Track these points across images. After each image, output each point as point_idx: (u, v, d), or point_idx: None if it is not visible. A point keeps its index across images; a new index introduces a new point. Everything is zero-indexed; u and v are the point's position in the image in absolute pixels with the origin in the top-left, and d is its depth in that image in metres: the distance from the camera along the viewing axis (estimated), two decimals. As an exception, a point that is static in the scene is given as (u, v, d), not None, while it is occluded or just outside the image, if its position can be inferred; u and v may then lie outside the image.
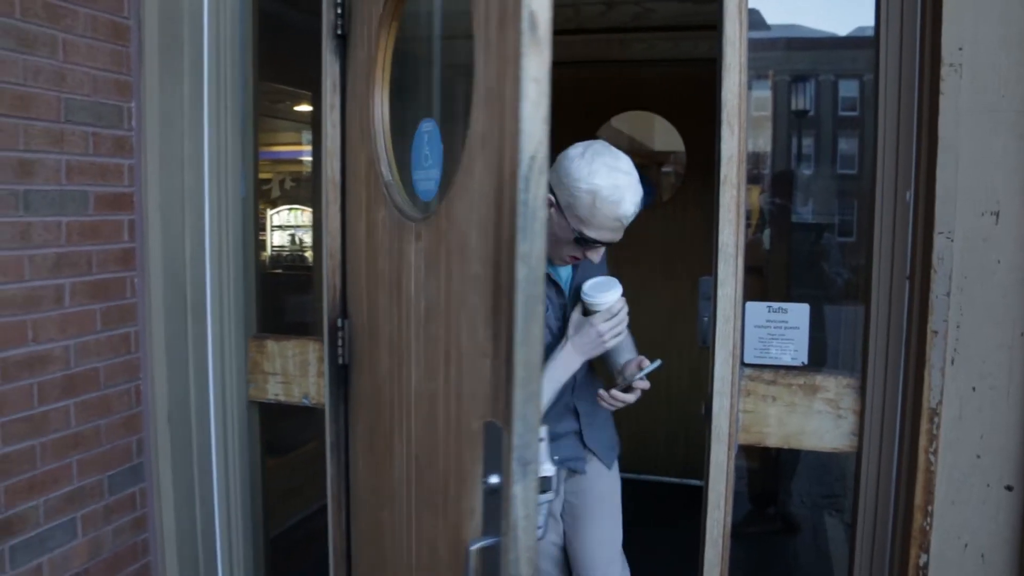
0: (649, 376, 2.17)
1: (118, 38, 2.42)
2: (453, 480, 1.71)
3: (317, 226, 4.68)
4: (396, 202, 2.02)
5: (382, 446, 2.11)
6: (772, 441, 2.30)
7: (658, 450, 5.26)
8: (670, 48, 4.88)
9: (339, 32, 2.32)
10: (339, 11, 2.31)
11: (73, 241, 2.29)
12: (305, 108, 5.19)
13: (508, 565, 1.44)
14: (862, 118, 5.03)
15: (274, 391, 2.72)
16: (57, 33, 2.23)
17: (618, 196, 1.95)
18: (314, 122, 4.52)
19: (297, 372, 2.69)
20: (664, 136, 5.78)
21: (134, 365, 2.50)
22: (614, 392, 2.14)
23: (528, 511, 1.44)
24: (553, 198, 2.02)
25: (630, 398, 2.13)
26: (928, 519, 2.06)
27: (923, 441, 2.03)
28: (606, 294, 2.09)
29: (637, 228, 5.05)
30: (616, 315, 2.11)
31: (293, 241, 6.42)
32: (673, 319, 5.00)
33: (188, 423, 2.63)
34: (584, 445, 2.40)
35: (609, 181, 1.95)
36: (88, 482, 2.38)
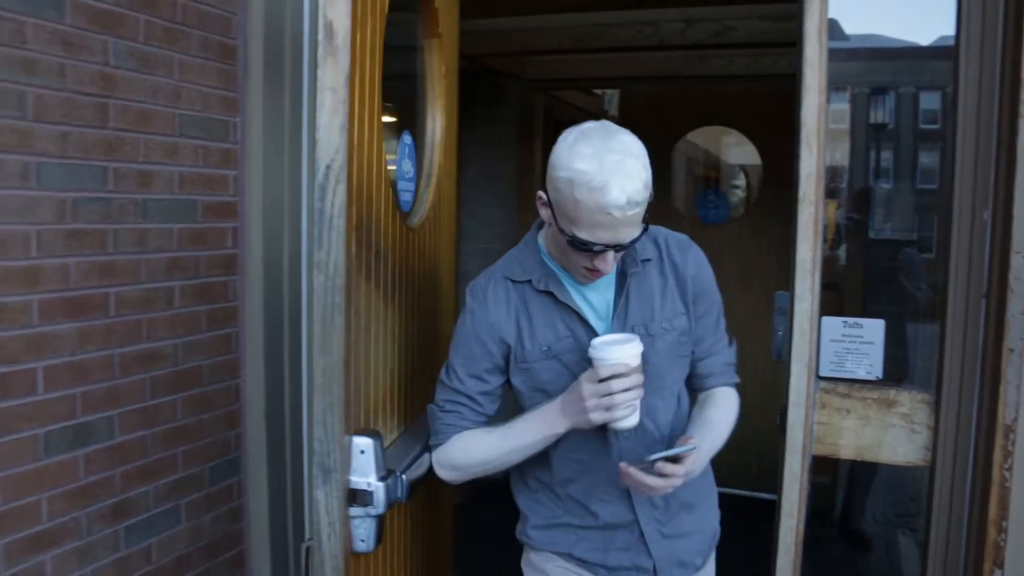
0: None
1: (226, 57, 2.59)
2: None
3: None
4: None
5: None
6: (846, 453, 2.35)
7: (729, 462, 5.28)
8: (749, 64, 4.92)
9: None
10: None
11: (183, 246, 2.46)
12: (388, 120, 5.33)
13: (314, 569, 1.55)
14: (943, 132, 4.98)
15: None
16: (174, 54, 2.40)
17: (600, 181, 1.47)
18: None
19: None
20: (737, 150, 5.82)
21: (234, 364, 2.66)
22: (631, 469, 1.56)
23: (332, 519, 1.54)
24: (545, 196, 1.62)
25: (649, 481, 1.54)
26: (1002, 534, 2.09)
27: (998, 457, 2.07)
28: (610, 349, 1.55)
29: (713, 241, 5.14)
30: (610, 379, 1.53)
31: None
32: (747, 332, 5.00)
33: (282, 421, 2.77)
34: (647, 550, 1.79)
35: (591, 165, 1.48)
36: (192, 472, 2.54)
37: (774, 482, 2.36)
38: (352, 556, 1.66)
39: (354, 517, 1.65)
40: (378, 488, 1.64)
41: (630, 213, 1.49)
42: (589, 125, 1.59)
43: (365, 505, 1.64)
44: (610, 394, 1.52)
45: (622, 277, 1.70)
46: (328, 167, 1.46)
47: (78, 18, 2.13)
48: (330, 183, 1.46)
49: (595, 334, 1.66)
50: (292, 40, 2.76)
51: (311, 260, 1.52)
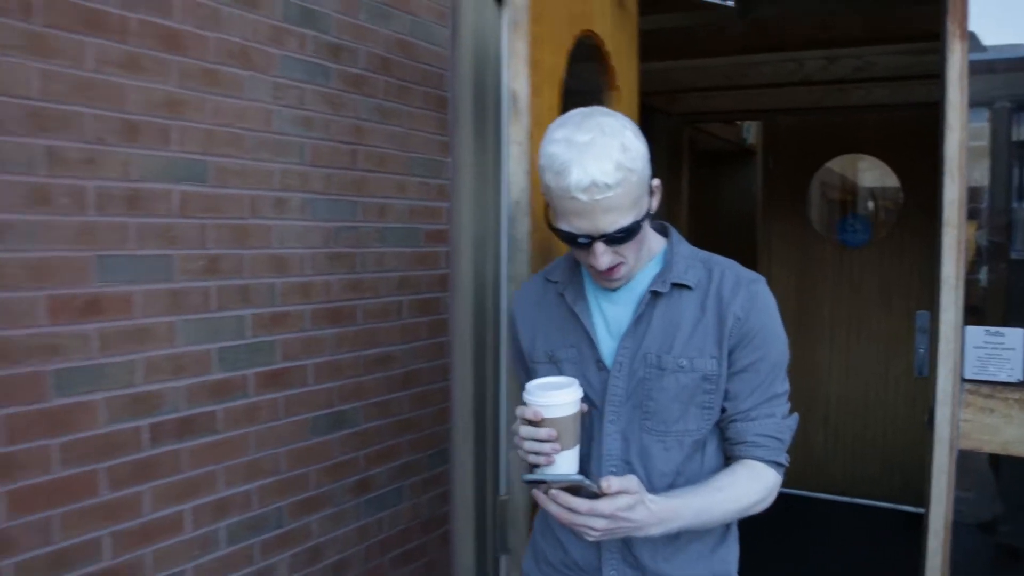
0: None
1: (440, 108, 3.09)
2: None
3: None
4: None
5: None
6: (989, 448, 2.64)
7: (875, 475, 5.49)
8: (887, 94, 5.14)
9: (615, 100, 2.87)
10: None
11: (411, 267, 2.96)
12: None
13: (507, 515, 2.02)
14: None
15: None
16: (402, 107, 2.91)
17: (562, 164, 1.37)
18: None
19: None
20: (870, 174, 5.99)
21: (445, 368, 3.14)
22: (535, 491, 1.41)
23: None
24: None
25: (550, 508, 1.37)
26: None
27: None
28: (534, 392, 1.42)
29: (855, 264, 5.39)
30: (539, 428, 1.39)
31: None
32: (889, 350, 5.26)
33: (484, 419, 3.24)
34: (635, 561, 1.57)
35: (559, 148, 1.38)
36: (413, 458, 3.03)
37: (915, 495, 2.64)
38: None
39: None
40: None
41: (599, 197, 1.35)
42: (574, 111, 1.46)
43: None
44: (522, 439, 1.42)
45: (653, 296, 1.53)
46: (516, 202, 1.88)
47: (339, 82, 2.66)
48: (518, 215, 1.88)
49: (596, 350, 1.55)
50: (493, 93, 3.26)
51: (508, 274, 1.91)
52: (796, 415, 1.60)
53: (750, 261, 5.72)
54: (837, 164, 5.96)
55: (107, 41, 2.01)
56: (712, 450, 1.57)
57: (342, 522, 2.75)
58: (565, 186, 1.36)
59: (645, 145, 1.43)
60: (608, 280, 1.52)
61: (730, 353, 1.51)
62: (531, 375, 1.62)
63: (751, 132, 7.03)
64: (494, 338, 3.31)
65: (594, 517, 1.31)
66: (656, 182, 1.49)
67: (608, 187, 1.35)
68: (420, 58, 2.99)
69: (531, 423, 1.40)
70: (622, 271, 1.49)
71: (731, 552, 1.65)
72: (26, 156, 1.87)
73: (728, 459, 1.58)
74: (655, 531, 1.37)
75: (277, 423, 2.52)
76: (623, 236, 1.41)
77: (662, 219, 1.65)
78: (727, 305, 1.51)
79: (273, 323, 2.49)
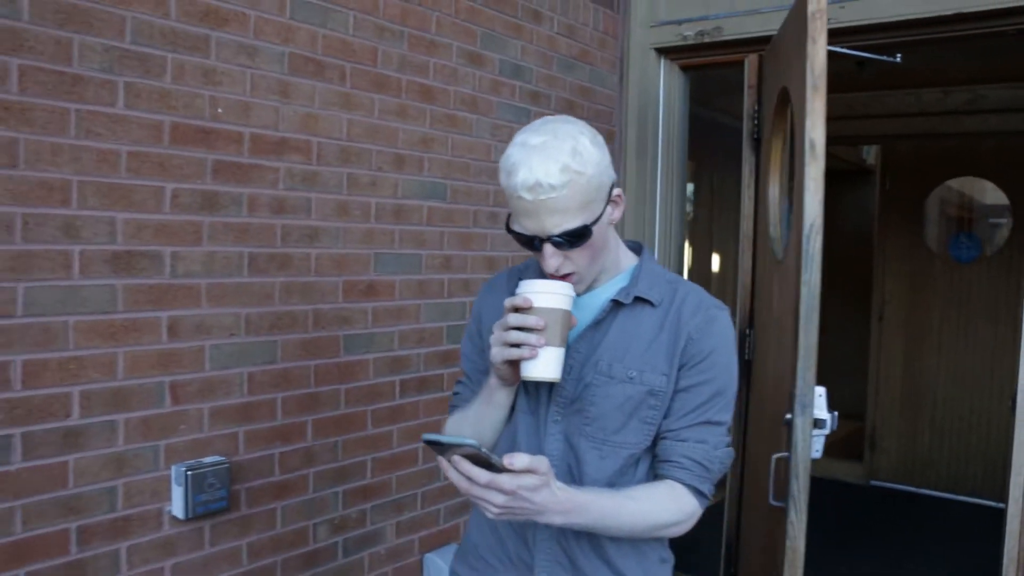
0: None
1: (610, 140, 3.76)
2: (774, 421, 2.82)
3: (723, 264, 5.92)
4: (773, 250, 3.17)
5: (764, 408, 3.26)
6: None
7: (976, 474, 5.91)
8: (1000, 122, 5.52)
9: (755, 137, 3.50)
10: (755, 122, 3.50)
11: (582, 269, 3.64)
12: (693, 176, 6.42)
13: (791, 470, 2.43)
14: None
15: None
16: (580, 139, 3.59)
17: (512, 164, 1.39)
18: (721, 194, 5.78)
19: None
20: (986, 194, 6.33)
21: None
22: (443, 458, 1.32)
23: (805, 436, 2.37)
24: None
25: (450, 475, 1.30)
26: None
27: None
28: (530, 283, 1.42)
29: (963, 279, 5.81)
30: (527, 316, 1.39)
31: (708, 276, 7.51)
32: (994, 358, 5.68)
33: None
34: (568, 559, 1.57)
35: (512, 150, 1.41)
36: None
37: (995, 489, 3.05)
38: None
39: (815, 435, 2.41)
40: (830, 417, 2.42)
41: (544, 197, 1.36)
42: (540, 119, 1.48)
43: (820, 428, 2.39)
44: (505, 328, 1.40)
45: (614, 306, 1.54)
46: (812, 225, 2.41)
47: (536, 121, 3.36)
48: (812, 234, 2.38)
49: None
50: (652, 126, 3.92)
51: (799, 279, 2.35)
52: (731, 451, 1.56)
53: (866, 274, 6.23)
54: (952, 185, 6.34)
55: (387, 96, 2.75)
56: (646, 468, 1.57)
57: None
58: (513, 185, 1.38)
59: (603, 153, 1.43)
60: (569, 284, 1.46)
61: (678, 371, 1.51)
62: (483, 355, 1.62)
63: (870, 153, 7.38)
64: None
65: (494, 491, 1.26)
66: (618, 191, 1.49)
67: (552, 187, 1.35)
68: (596, 100, 3.67)
69: (520, 311, 1.40)
70: (575, 277, 1.48)
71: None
72: (336, 180, 2.62)
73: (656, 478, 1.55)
74: (557, 520, 1.34)
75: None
76: (570, 239, 1.41)
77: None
78: (684, 324, 1.52)
79: (483, 309, 3.21)
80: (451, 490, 3.05)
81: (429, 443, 1.25)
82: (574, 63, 3.55)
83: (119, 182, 2.10)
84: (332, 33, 2.57)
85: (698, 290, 1.59)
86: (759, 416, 3.31)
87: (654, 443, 1.55)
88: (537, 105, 3.35)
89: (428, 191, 2.92)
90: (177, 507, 2.24)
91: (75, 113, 2.00)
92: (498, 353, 1.41)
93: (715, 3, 3.63)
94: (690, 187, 5.83)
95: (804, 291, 2.36)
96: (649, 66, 3.85)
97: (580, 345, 1.53)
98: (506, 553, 1.62)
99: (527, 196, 1.37)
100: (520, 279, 1.54)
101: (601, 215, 1.43)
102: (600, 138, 1.45)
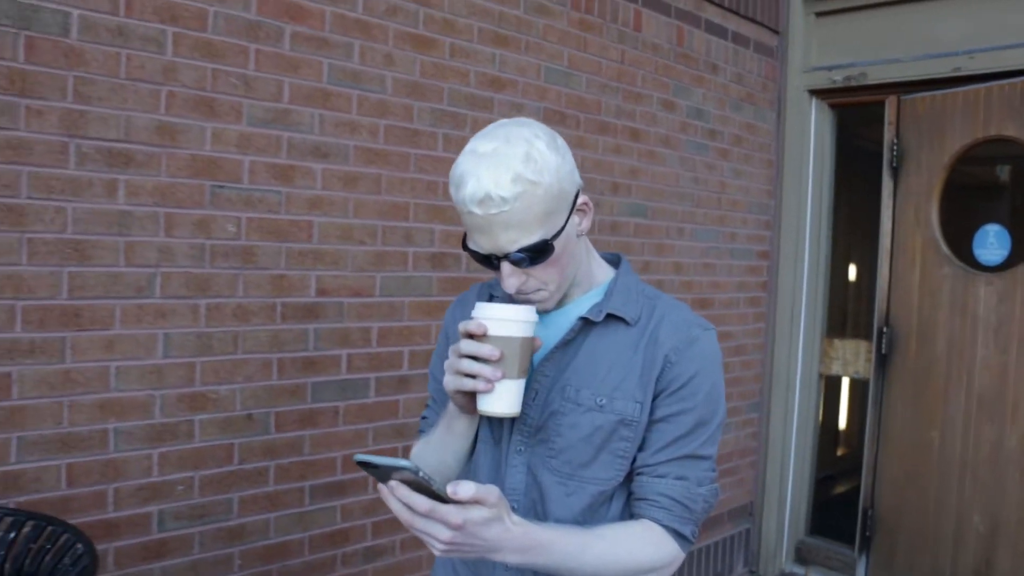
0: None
1: (768, 167, 4.50)
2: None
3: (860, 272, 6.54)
4: (959, 264, 3.86)
5: (929, 397, 3.94)
6: None
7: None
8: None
9: (893, 165, 4.18)
10: (894, 152, 4.18)
11: (746, 274, 4.38)
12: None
13: None
14: None
15: (836, 369, 4.63)
16: (747, 168, 4.34)
17: (459, 175, 1.25)
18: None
19: (851, 358, 4.57)
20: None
21: (764, 345, 4.54)
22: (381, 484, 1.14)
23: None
24: None
25: (391, 504, 1.12)
26: None
27: None
28: (492, 307, 1.27)
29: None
30: (482, 344, 1.25)
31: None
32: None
33: (786, 382, 4.62)
34: None
35: (461, 159, 1.26)
36: (738, 404, 4.43)
37: None
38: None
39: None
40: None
41: (495, 211, 1.21)
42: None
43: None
44: (459, 355, 1.26)
45: (584, 324, 1.39)
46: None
47: (713, 154, 4.13)
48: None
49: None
50: (803, 156, 4.63)
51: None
52: (716, 488, 1.39)
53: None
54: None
55: (607, 137, 3.57)
56: (620, 506, 1.40)
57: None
58: (461, 199, 1.23)
59: (563, 158, 1.28)
60: (532, 304, 1.33)
61: (654, 399, 1.35)
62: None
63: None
64: (796, 329, 4.68)
65: (438, 524, 1.09)
66: (584, 199, 1.34)
67: (504, 200, 1.20)
68: (758, 134, 4.42)
69: (473, 338, 1.25)
70: (540, 295, 1.34)
71: None
72: (571, 203, 3.44)
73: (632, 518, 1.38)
74: (513, 559, 1.18)
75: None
76: (530, 256, 1.26)
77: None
78: (660, 346, 1.36)
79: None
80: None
81: (362, 464, 1.08)
82: (741, 104, 4.30)
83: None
84: (570, 91, 3.40)
85: (680, 307, 1.44)
86: (911, 402, 4.00)
87: (629, 478, 1.39)
88: (713, 140, 4.12)
89: (634, 210, 3.72)
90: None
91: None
92: (451, 382, 1.28)
93: (862, 52, 4.32)
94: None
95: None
96: (803, 105, 4.57)
97: (546, 367, 1.38)
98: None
99: (477, 211, 1.22)
100: (490, 295, 1.49)
101: (564, 227, 1.28)
102: (560, 140, 1.30)
